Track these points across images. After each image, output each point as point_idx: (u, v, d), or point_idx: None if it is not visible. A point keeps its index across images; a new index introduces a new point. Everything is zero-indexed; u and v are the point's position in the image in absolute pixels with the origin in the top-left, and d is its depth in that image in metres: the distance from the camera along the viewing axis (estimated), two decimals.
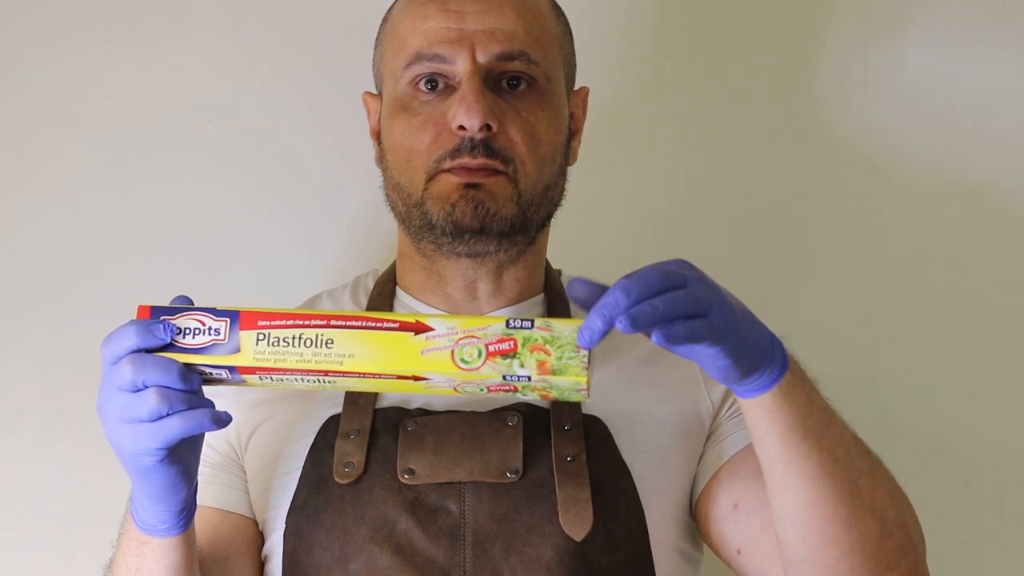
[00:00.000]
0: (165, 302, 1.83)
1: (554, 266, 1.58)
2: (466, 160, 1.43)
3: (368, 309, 1.53)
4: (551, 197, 1.50)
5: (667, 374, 1.49)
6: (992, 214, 1.89)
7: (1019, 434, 1.87)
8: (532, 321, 1.15)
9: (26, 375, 1.84)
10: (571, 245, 1.66)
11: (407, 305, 1.53)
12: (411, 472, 1.38)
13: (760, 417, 1.26)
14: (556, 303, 1.52)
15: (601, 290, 1.16)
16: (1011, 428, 1.87)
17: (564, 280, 1.57)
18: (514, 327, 1.16)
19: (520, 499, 1.37)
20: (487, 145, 1.43)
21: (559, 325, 1.15)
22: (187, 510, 1.28)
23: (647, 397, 1.47)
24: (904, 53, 1.91)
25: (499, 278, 1.50)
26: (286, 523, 1.41)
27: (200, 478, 1.32)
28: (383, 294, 1.53)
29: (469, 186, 1.43)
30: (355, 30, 1.88)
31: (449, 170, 1.44)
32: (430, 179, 1.45)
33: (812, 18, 1.92)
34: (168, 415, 1.19)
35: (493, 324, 1.16)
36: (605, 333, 1.14)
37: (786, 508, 1.30)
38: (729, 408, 1.49)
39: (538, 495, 1.37)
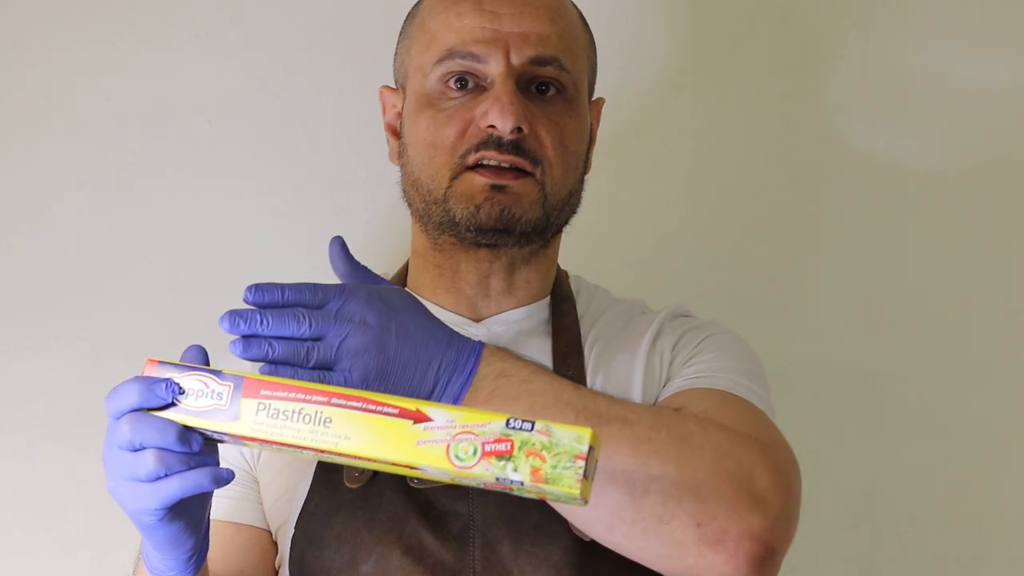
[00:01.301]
0: (163, 304, 1.85)
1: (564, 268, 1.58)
2: (492, 153, 1.42)
3: None
4: (571, 204, 1.50)
5: (651, 359, 1.47)
6: (991, 211, 1.90)
7: (1019, 433, 1.88)
8: (533, 423, 1.12)
9: (26, 375, 1.84)
10: (579, 249, 1.65)
11: None
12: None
13: None
14: (562, 303, 1.52)
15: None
16: (1011, 427, 1.88)
17: (572, 282, 1.56)
18: (514, 427, 1.12)
19: (527, 500, 1.36)
20: (517, 145, 1.42)
21: (559, 431, 1.11)
22: (196, 556, 1.26)
23: (641, 391, 1.46)
24: (911, 51, 1.91)
25: (511, 276, 1.50)
26: (296, 528, 1.40)
27: None
28: None
29: (495, 188, 1.42)
30: (356, 30, 1.88)
31: (474, 168, 1.43)
32: (455, 177, 1.44)
33: (819, 18, 1.92)
34: (166, 476, 1.17)
35: (493, 421, 1.12)
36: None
37: None
38: (673, 362, 1.46)
39: None
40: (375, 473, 1.38)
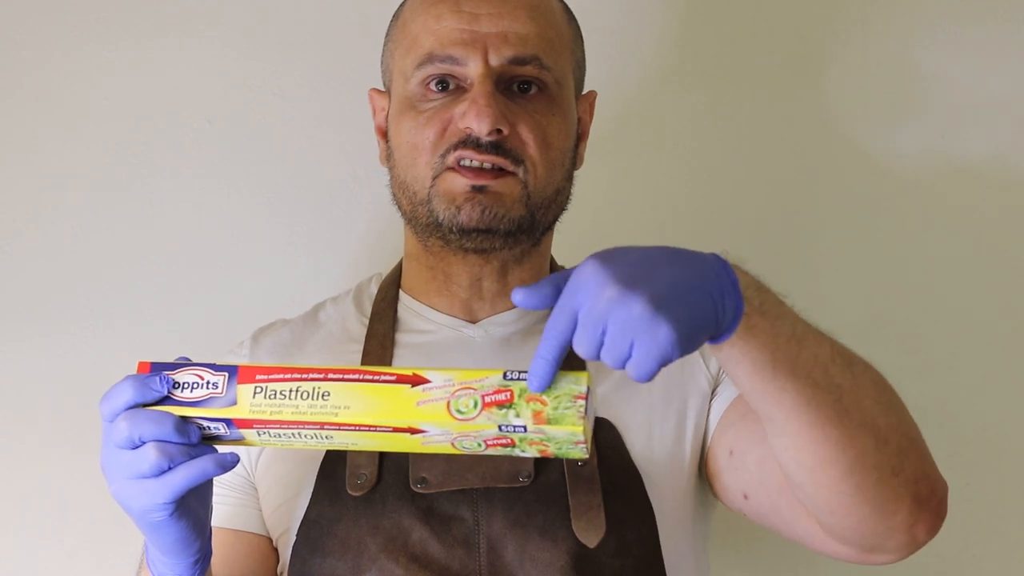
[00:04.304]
0: (163, 303, 1.85)
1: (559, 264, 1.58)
2: (471, 153, 1.42)
3: (373, 314, 1.52)
4: (559, 201, 1.49)
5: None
6: (991, 209, 1.90)
7: (1019, 433, 1.88)
8: None
9: (25, 375, 1.84)
10: (576, 246, 1.65)
11: (411, 308, 1.52)
12: (423, 481, 1.37)
13: (727, 361, 1.21)
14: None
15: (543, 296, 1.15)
16: (1011, 427, 1.88)
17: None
18: (511, 378, 1.14)
19: (532, 503, 1.37)
20: (497, 145, 1.42)
21: (557, 376, 1.14)
22: (202, 560, 1.27)
23: (649, 400, 1.46)
24: (908, 50, 1.91)
25: (504, 277, 1.50)
26: (298, 536, 1.40)
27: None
28: (387, 298, 1.53)
29: (476, 188, 1.42)
30: (356, 30, 1.88)
31: (455, 168, 1.43)
32: (436, 176, 1.44)
33: (815, 15, 1.92)
34: (170, 468, 1.17)
35: (490, 376, 1.14)
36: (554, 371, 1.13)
37: (778, 439, 1.26)
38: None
39: (551, 499, 1.37)
40: (378, 480, 1.38)
